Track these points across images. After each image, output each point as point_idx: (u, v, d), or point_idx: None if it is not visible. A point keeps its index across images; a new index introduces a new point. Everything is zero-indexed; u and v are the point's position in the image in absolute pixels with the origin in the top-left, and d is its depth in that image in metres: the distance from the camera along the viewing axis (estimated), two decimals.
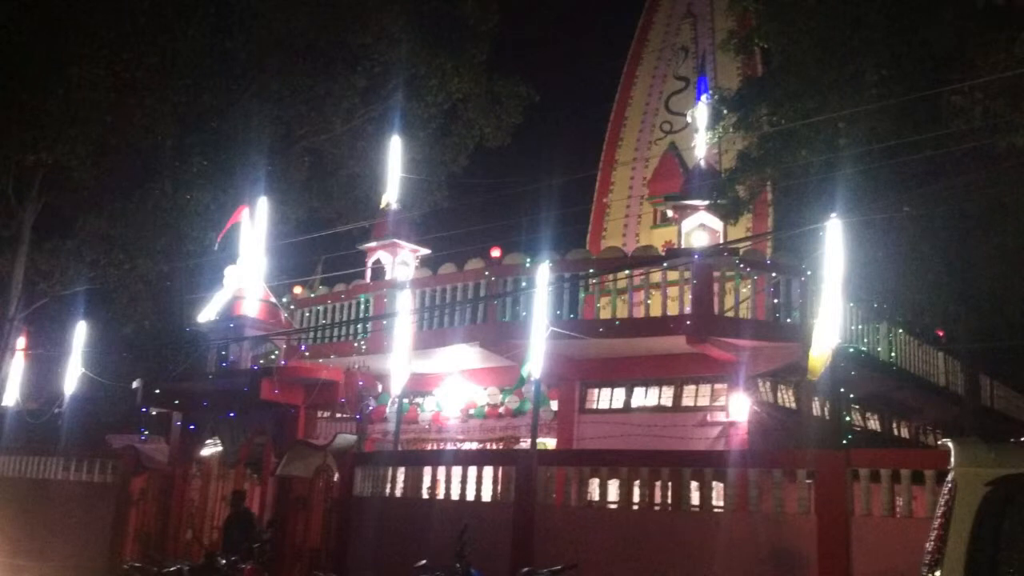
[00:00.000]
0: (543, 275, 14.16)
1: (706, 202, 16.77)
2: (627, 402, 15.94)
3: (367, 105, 24.30)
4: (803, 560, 9.65)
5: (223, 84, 23.05)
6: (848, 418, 17.01)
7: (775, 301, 14.77)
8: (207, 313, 17.46)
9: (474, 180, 26.85)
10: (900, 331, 17.96)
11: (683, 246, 16.65)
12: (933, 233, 14.74)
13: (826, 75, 13.51)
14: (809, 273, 14.12)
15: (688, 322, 14.40)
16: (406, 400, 16.53)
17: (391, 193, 20.35)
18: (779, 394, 16.34)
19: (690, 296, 14.68)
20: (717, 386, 15.22)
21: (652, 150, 22.22)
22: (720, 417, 14.87)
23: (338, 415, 17.27)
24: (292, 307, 19.07)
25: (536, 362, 13.56)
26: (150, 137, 21.90)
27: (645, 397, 15.87)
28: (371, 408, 16.86)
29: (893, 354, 17.69)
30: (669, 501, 10.90)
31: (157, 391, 16.32)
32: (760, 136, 15.34)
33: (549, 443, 15.92)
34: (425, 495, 13.12)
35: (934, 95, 12.33)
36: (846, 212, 11.93)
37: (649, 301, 15.05)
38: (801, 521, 9.85)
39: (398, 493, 13.32)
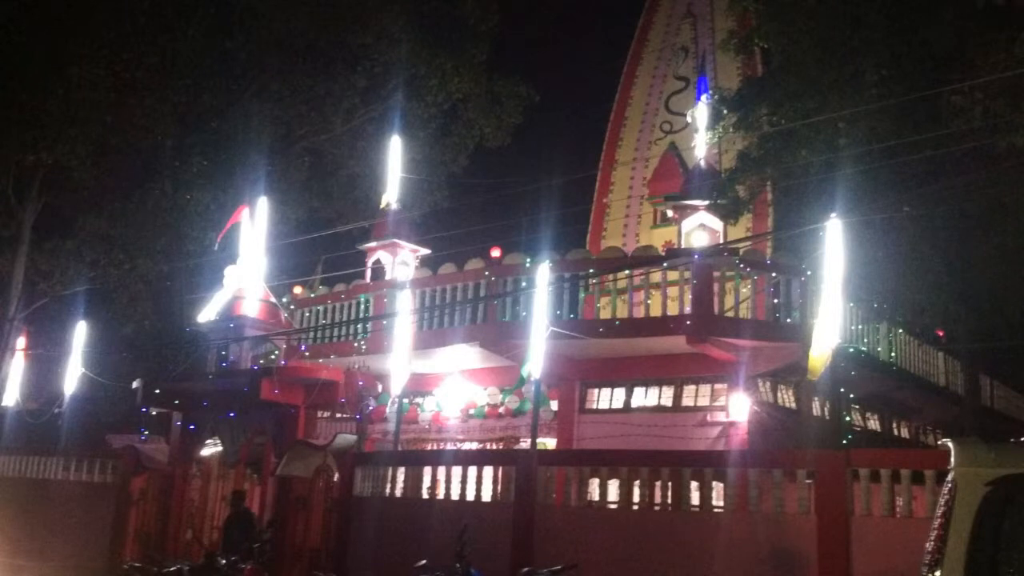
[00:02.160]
0: (543, 275, 14.15)
1: (706, 202, 16.77)
2: (627, 402, 15.94)
3: (367, 105, 24.30)
4: (803, 560, 9.65)
5: (223, 84, 23.04)
6: (848, 418, 17.01)
7: (775, 301, 14.77)
8: (207, 313, 17.46)
9: (474, 180, 26.87)
10: (900, 331, 17.96)
11: (683, 246, 16.65)
12: (933, 233, 14.74)
13: (826, 75, 13.52)
14: (809, 273, 14.12)
15: (688, 322, 14.40)
16: (406, 400, 16.53)
17: (391, 193, 20.35)
18: (779, 394, 16.33)
19: (690, 296, 14.68)
20: (717, 386, 15.22)
21: (652, 150, 22.22)
22: (720, 417, 14.86)
23: (338, 415, 17.26)
24: (292, 307, 19.07)
25: (536, 362, 13.55)
26: (150, 137, 21.90)
27: (645, 397, 15.87)
28: (371, 408, 16.86)
29: (893, 354, 17.68)
30: (669, 501, 10.90)
31: (157, 391, 16.31)
32: (760, 136, 15.35)
33: (549, 443, 15.92)
34: (425, 495, 13.12)
35: (934, 95, 12.34)
36: (846, 212, 11.93)
37: (649, 301, 15.04)
38: (801, 521, 9.85)
39: (398, 493, 13.33)
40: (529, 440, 13.94)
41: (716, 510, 10.83)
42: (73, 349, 18.62)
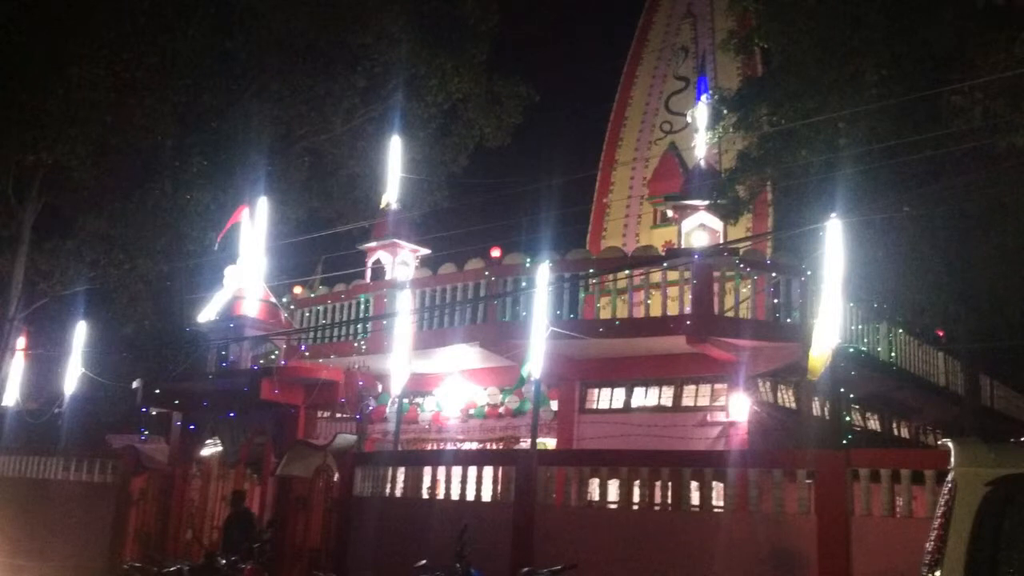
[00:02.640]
0: (543, 275, 14.15)
1: (706, 202, 16.77)
2: (627, 402, 15.94)
3: (367, 105, 24.30)
4: (803, 560, 9.65)
5: (223, 84, 23.04)
6: (848, 418, 17.01)
7: (775, 301, 14.77)
8: (207, 313, 17.46)
9: (474, 180, 26.86)
10: (900, 331, 17.96)
11: (683, 246, 16.65)
12: (933, 233, 14.75)
13: (826, 75, 13.52)
14: (809, 273, 14.12)
15: (688, 322, 14.40)
16: (406, 400, 16.53)
17: (391, 193, 20.36)
18: (779, 394, 16.33)
19: (690, 296, 14.68)
20: (717, 386, 15.22)
21: (652, 150, 22.21)
22: (720, 417, 14.86)
23: (338, 415, 17.26)
24: (292, 307, 19.07)
25: (536, 362, 13.56)
26: (150, 137, 21.88)
27: (645, 397, 15.87)
28: (371, 408, 16.86)
29: (893, 354, 17.68)
30: (669, 501, 10.90)
31: (157, 391, 16.32)
32: (760, 136, 15.35)
33: (549, 443, 15.92)
34: (425, 495, 13.12)
35: (934, 95, 12.34)
36: (846, 212, 11.93)
37: (649, 301, 15.04)
38: (801, 521, 9.85)
39: (398, 493, 13.33)
40: (529, 440, 13.94)
41: (716, 510, 10.83)
42: (73, 349, 18.61)
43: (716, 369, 14.92)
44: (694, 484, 10.68)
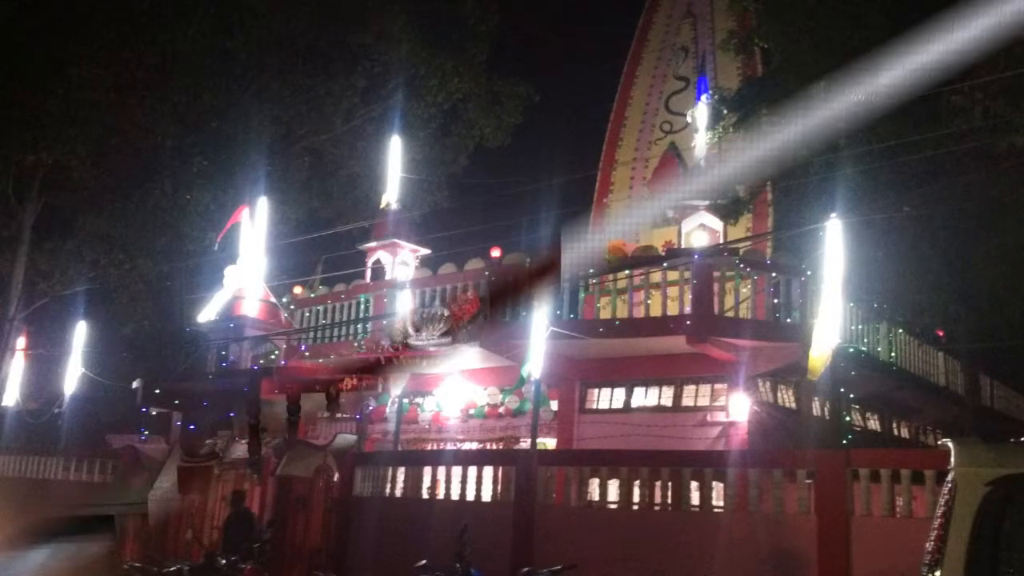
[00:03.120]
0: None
1: (706, 202, 16.77)
2: (627, 402, 15.92)
3: (367, 105, 24.33)
4: (803, 560, 9.65)
5: (223, 84, 23.07)
6: (848, 418, 17.00)
7: (775, 301, 14.75)
8: (207, 313, 17.49)
9: (474, 180, 26.89)
10: (900, 331, 17.95)
11: (683, 246, 16.65)
12: (933, 233, 14.74)
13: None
14: (809, 273, 14.12)
15: (688, 322, 14.39)
16: (406, 400, 16.52)
17: (391, 193, 20.37)
18: (779, 394, 16.32)
19: (690, 296, 14.67)
20: (717, 386, 15.19)
21: (652, 150, 22.18)
22: (720, 417, 14.84)
23: (338, 415, 17.26)
24: (292, 307, 19.07)
25: (536, 362, 13.55)
26: (150, 137, 21.91)
27: (645, 397, 15.85)
28: (371, 408, 16.85)
29: (893, 354, 17.67)
30: (669, 501, 10.91)
31: (157, 391, 16.33)
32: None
33: (549, 443, 15.91)
34: (425, 495, 13.13)
35: (934, 95, 12.34)
36: (846, 212, 11.94)
37: (649, 301, 15.04)
38: (801, 521, 9.85)
39: (398, 493, 13.33)
40: (529, 440, 13.93)
41: (716, 510, 10.82)
42: (73, 349, 18.64)
43: (716, 369, 14.90)
44: (694, 484, 10.69)
